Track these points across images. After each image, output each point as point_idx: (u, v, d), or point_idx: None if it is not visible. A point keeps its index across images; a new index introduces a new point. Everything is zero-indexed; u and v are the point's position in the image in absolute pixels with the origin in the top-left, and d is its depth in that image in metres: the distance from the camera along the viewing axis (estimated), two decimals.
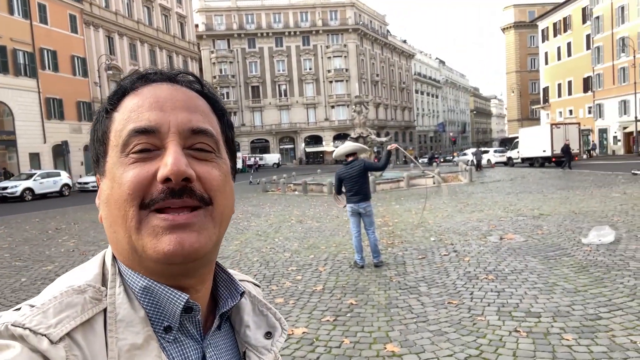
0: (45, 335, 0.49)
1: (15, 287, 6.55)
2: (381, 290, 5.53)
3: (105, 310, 0.56)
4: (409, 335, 4.11)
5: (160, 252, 0.56)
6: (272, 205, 16.59)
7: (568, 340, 3.80)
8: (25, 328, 0.49)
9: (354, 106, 28.20)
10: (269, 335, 0.71)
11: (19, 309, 0.53)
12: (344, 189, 6.83)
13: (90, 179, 29.27)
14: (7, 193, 23.80)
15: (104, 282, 0.59)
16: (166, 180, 0.56)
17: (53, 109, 33.63)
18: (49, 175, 26.30)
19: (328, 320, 4.60)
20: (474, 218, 10.75)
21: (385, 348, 3.87)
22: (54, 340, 0.49)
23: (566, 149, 27.86)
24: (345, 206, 6.89)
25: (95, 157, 0.64)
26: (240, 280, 0.76)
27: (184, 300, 0.59)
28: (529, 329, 4.07)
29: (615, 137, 46.69)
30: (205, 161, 0.62)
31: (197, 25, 61.68)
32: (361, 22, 69.77)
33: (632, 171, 19.96)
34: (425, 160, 57.96)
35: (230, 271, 0.74)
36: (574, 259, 6.39)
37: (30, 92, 31.74)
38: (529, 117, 71.48)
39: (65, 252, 9.00)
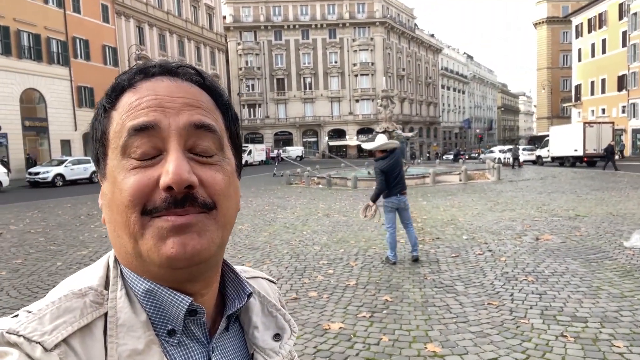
0: (39, 342, 0.48)
1: (52, 270, 6.67)
2: (416, 288, 5.42)
3: (106, 314, 0.54)
4: (449, 335, 4.00)
5: (163, 255, 0.54)
6: (297, 198, 16.57)
7: (619, 347, 3.64)
8: (19, 335, 0.48)
9: (380, 100, 27.94)
10: (277, 337, 0.69)
11: (16, 315, 0.52)
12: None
13: None
14: (39, 178, 24.42)
15: (107, 285, 0.58)
16: (168, 187, 0.54)
17: (84, 97, 34.33)
18: (79, 162, 26.86)
19: (364, 317, 4.52)
20: (506, 217, 10.50)
21: (426, 348, 3.77)
22: (48, 348, 0.48)
23: (611, 149, 26.74)
24: (371, 216, 6.76)
25: (96, 158, 0.62)
26: (252, 278, 0.74)
27: (188, 304, 0.57)
28: (576, 334, 3.91)
29: None
30: (209, 165, 0.59)
31: (224, 17, 62.00)
32: (389, 15, 69.06)
33: None
34: (451, 157, 57.27)
35: (240, 268, 0.72)
36: (616, 262, 6.15)
37: (63, 80, 32.46)
38: (559, 115, 69.77)
39: (98, 238, 9.14)
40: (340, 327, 4.25)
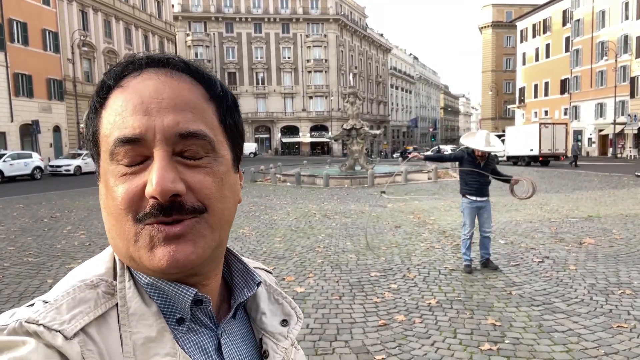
0: (59, 331, 0.49)
1: (45, 290, 5.32)
2: (511, 307, 4.68)
3: (116, 304, 0.55)
4: None
5: (155, 266, 0.54)
6: (278, 197, 15.53)
7: None
8: (39, 324, 0.49)
9: (347, 97, 27.33)
10: (284, 322, 0.70)
11: (32, 304, 0.52)
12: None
13: (63, 162, 27.16)
14: None
15: (115, 276, 0.58)
16: (153, 196, 0.53)
17: (22, 85, 31.03)
18: (19, 156, 24.13)
19: (491, 350, 3.71)
20: (518, 218, 10.09)
21: None
22: (69, 336, 0.49)
23: None
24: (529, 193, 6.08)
25: (91, 156, 0.61)
26: (254, 268, 0.73)
27: (192, 294, 0.57)
28: None
29: (590, 139, 47.84)
30: (197, 167, 0.56)
31: (172, 6, 59.00)
32: (342, 13, 68.73)
33: (636, 173, 20.00)
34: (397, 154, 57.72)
35: (244, 259, 0.72)
36: None
37: None
38: (502, 117, 72.64)
39: (80, 246, 7.72)
40: None
